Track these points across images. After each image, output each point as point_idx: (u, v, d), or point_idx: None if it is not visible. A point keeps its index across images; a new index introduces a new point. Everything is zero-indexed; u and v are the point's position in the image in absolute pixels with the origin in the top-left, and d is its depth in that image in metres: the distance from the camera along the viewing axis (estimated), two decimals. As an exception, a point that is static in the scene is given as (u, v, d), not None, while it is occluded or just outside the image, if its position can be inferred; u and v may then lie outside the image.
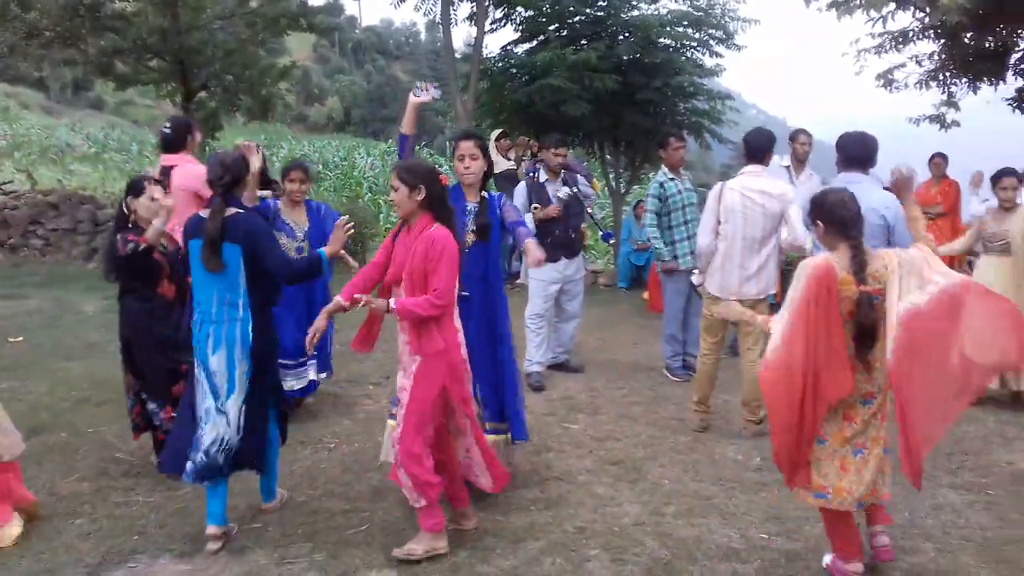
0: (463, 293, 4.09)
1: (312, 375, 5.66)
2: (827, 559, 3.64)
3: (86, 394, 6.08)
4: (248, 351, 3.79)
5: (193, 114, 13.28)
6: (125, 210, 4.54)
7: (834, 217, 3.46)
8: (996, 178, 6.23)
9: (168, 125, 5.50)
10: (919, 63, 10.70)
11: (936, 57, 10.49)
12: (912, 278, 3.29)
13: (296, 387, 5.54)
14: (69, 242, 12.34)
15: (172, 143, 5.40)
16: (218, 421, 3.76)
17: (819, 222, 3.51)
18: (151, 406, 4.50)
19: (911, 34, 10.12)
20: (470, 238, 4.36)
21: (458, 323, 3.82)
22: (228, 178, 3.82)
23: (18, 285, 10.01)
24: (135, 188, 4.55)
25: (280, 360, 5.10)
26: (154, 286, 4.53)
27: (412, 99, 4.52)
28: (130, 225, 4.50)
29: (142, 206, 4.49)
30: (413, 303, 3.59)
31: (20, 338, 7.66)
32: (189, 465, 3.75)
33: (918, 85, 10.73)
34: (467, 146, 4.43)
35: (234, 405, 3.78)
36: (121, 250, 4.35)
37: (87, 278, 10.68)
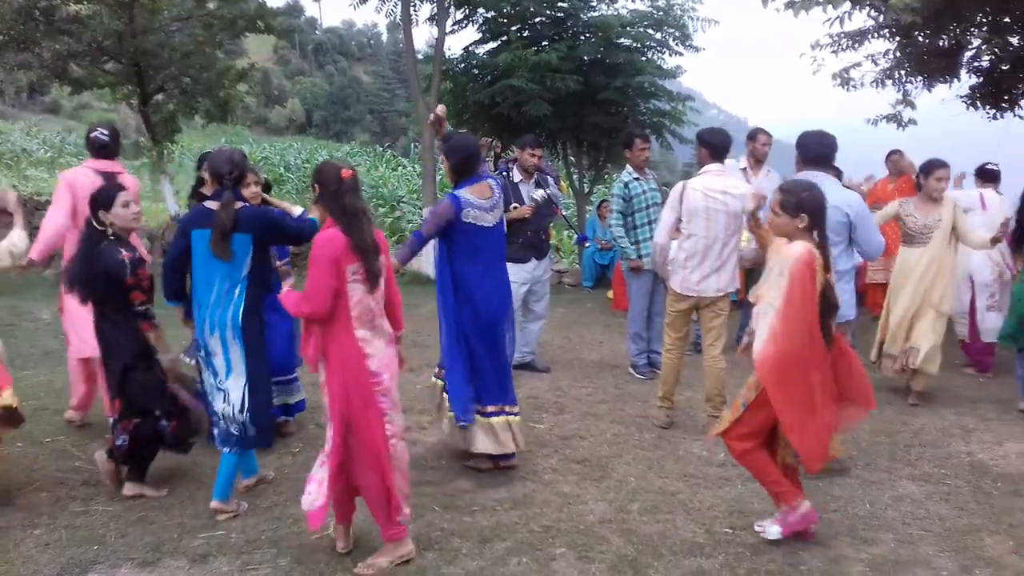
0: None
1: (303, 393, 5.57)
2: (775, 529, 3.79)
3: (44, 403, 5.96)
4: (239, 331, 3.99)
5: (151, 117, 13.14)
6: (97, 225, 4.24)
7: (818, 214, 3.69)
8: (928, 170, 6.18)
9: (105, 131, 5.42)
10: (875, 62, 10.85)
11: (892, 56, 10.64)
12: None
13: (290, 401, 5.44)
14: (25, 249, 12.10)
15: (111, 149, 5.38)
16: (217, 397, 4.06)
17: (804, 215, 3.66)
18: (162, 424, 4.30)
19: (867, 33, 10.28)
20: None
21: (362, 332, 3.58)
22: (236, 173, 4.09)
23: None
24: (105, 200, 4.26)
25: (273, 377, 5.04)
26: (130, 298, 4.23)
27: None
28: (112, 238, 4.23)
29: (120, 216, 4.24)
30: (289, 296, 3.68)
31: (-26, 347, 7.49)
32: (214, 431, 4.18)
33: (874, 84, 10.88)
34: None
35: (235, 385, 4.03)
36: (127, 278, 4.13)
37: (43, 285, 10.48)
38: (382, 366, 3.63)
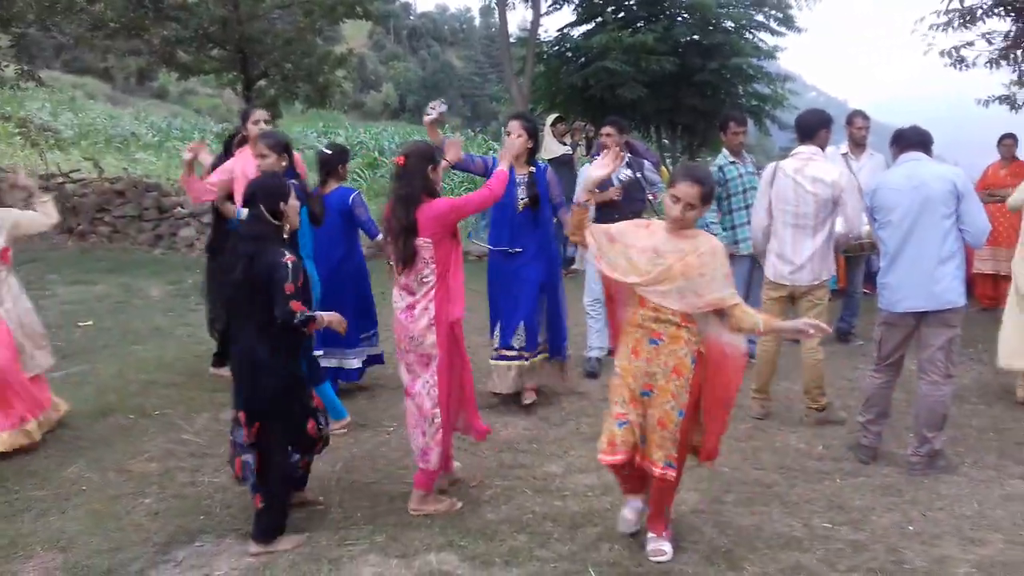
0: (516, 249, 5.43)
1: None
2: (669, 547, 3.59)
3: (153, 377, 6.22)
4: None
5: (253, 102, 13.50)
6: (272, 219, 3.69)
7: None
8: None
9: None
10: (989, 41, 10.36)
11: (1009, 35, 10.14)
12: None
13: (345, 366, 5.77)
14: (135, 229, 12.61)
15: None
16: None
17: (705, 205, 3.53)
18: (294, 457, 3.76)
19: (979, 12, 9.81)
20: (522, 204, 5.40)
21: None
22: None
23: (86, 271, 10.28)
24: (284, 192, 3.76)
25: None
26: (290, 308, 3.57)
27: (425, 120, 5.15)
28: (286, 237, 3.76)
29: (293, 210, 3.80)
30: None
31: (89, 322, 7.87)
32: None
33: (988, 64, 10.39)
34: (514, 125, 5.28)
35: None
36: (291, 310, 3.51)
37: (153, 264, 10.94)
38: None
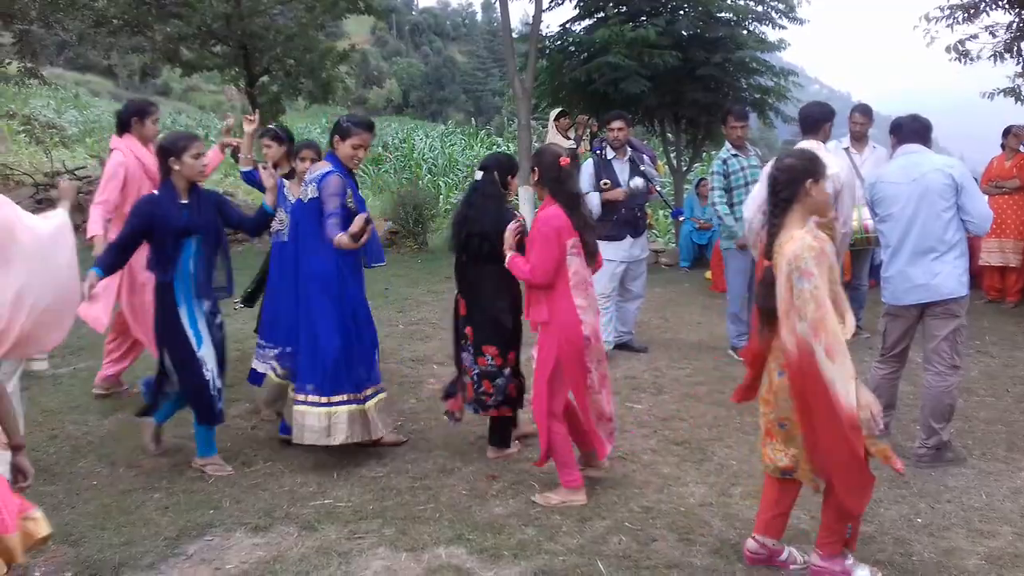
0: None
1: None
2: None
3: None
4: None
5: (257, 98, 13.52)
6: (501, 187, 4.61)
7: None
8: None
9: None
10: (992, 34, 10.34)
11: (1012, 28, 10.12)
12: None
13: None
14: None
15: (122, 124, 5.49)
16: None
17: None
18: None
19: (982, 5, 9.80)
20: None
21: (579, 300, 4.01)
22: None
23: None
24: (515, 168, 4.80)
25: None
26: None
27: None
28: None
29: (514, 185, 4.77)
30: (517, 263, 4.12)
31: (96, 319, 7.86)
32: None
33: (992, 57, 10.37)
34: (369, 138, 4.61)
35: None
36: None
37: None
38: (592, 333, 4.05)
